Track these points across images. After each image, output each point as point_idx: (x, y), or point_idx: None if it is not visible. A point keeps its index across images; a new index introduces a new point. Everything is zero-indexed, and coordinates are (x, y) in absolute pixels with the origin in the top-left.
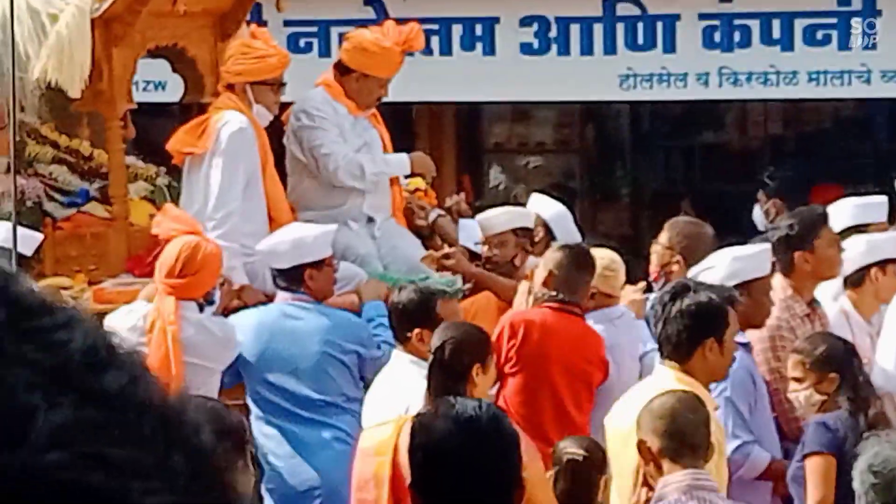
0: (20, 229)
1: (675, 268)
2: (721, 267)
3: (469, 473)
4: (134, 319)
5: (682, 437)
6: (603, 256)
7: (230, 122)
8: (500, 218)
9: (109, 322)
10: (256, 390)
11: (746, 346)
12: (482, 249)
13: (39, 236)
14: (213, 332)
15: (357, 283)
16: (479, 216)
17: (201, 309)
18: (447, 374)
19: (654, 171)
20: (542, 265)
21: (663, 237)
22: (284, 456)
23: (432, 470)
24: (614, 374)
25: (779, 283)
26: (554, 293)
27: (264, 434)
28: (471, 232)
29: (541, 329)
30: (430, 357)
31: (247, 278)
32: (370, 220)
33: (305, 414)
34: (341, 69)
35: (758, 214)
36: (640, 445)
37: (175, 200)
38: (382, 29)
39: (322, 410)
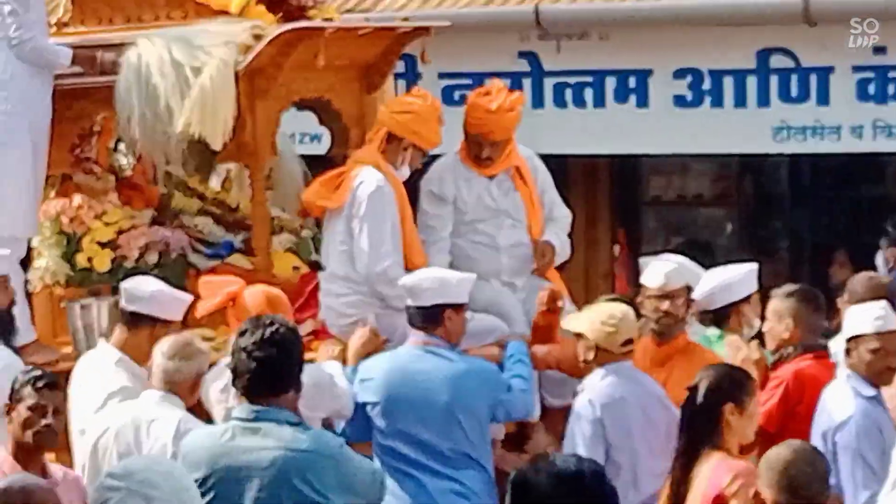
0: (171, 291)
1: None
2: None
3: None
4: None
5: (796, 491)
6: (603, 311)
7: (366, 181)
8: (677, 272)
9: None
10: (384, 441)
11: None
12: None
13: (189, 298)
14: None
15: (498, 337)
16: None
17: None
18: (699, 415)
19: (812, 224)
20: (773, 318)
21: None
22: None
23: None
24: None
25: None
26: (799, 344)
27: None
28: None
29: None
30: (686, 398)
31: None
32: (509, 283)
33: (433, 465)
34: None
35: (880, 262)
36: (756, 497)
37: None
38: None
39: (450, 462)
